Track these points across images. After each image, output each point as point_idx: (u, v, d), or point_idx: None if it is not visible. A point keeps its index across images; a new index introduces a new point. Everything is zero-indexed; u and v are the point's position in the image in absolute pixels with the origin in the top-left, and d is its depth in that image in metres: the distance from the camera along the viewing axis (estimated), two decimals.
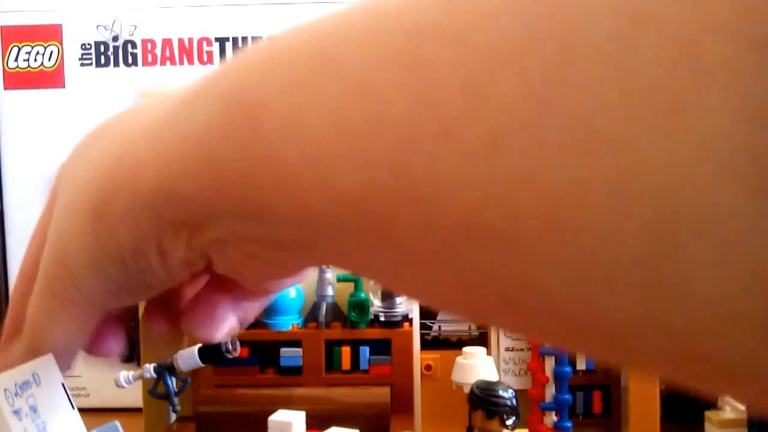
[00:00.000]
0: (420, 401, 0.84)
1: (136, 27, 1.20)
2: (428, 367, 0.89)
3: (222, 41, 1.20)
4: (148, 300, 0.32)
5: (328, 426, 0.75)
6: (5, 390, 0.29)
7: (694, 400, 0.78)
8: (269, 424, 0.72)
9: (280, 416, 0.73)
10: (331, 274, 0.94)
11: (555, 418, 0.74)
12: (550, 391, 0.74)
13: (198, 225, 0.24)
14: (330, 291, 0.94)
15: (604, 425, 0.82)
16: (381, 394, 0.88)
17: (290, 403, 0.80)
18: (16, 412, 0.30)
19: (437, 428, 0.87)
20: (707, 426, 0.77)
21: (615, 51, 0.14)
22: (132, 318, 0.33)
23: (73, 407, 0.33)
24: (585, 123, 0.14)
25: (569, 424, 0.74)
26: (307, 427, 0.74)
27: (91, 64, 1.21)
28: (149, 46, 1.21)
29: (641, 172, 0.14)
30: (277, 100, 0.20)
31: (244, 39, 1.19)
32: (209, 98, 0.22)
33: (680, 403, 0.78)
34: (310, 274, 0.94)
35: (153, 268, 0.26)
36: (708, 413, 0.77)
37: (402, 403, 0.87)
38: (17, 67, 1.20)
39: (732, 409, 0.77)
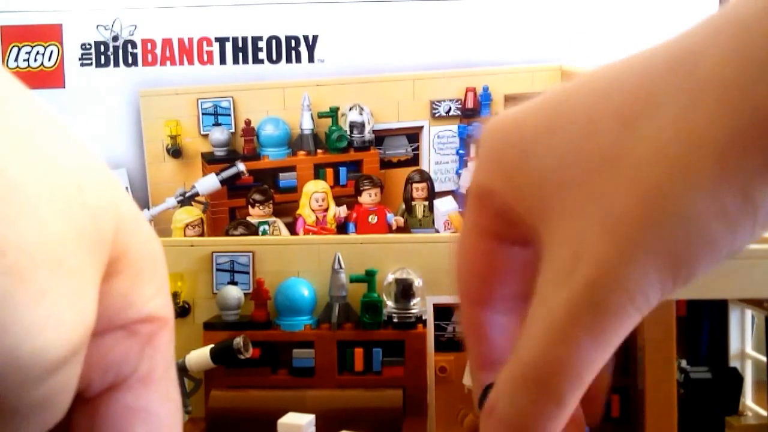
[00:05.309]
0: (434, 404, 0.84)
1: (136, 27, 1.19)
2: (442, 369, 0.88)
3: (222, 41, 1.19)
4: None
5: (339, 429, 0.75)
6: None
7: (712, 405, 0.77)
8: (279, 428, 0.71)
9: (289, 419, 0.73)
10: (344, 275, 0.93)
11: None
12: None
13: None
14: (343, 292, 0.93)
15: (622, 429, 0.81)
16: (394, 396, 0.87)
17: (302, 405, 0.80)
18: None
19: None
20: None
21: None
22: None
23: None
24: None
25: (586, 428, 0.74)
26: (319, 430, 0.73)
27: (91, 64, 1.20)
28: (149, 46, 1.20)
29: None
30: None
31: (244, 39, 1.19)
32: None
33: (699, 408, 0.77)
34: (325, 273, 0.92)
35: None
36: (729, 419, 0.75)
37: (415, 405, 0.86)
38: (17, 67, 1.19)
39: (754, 414, 0.76)
